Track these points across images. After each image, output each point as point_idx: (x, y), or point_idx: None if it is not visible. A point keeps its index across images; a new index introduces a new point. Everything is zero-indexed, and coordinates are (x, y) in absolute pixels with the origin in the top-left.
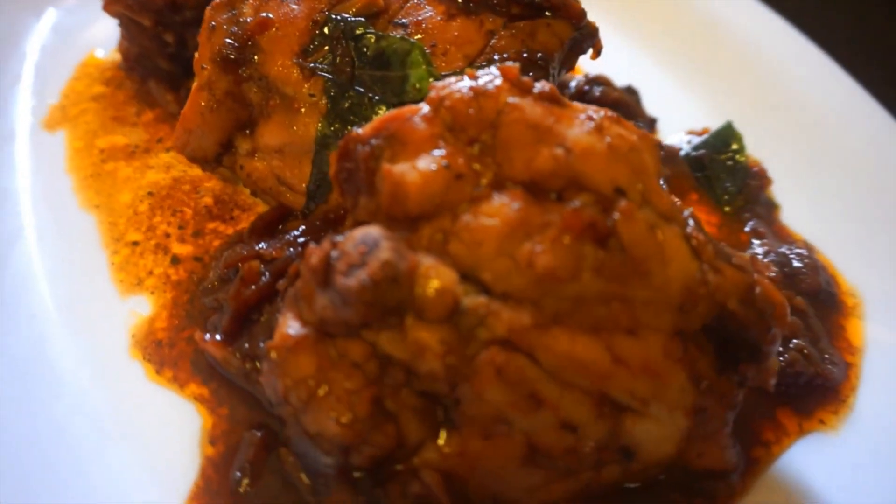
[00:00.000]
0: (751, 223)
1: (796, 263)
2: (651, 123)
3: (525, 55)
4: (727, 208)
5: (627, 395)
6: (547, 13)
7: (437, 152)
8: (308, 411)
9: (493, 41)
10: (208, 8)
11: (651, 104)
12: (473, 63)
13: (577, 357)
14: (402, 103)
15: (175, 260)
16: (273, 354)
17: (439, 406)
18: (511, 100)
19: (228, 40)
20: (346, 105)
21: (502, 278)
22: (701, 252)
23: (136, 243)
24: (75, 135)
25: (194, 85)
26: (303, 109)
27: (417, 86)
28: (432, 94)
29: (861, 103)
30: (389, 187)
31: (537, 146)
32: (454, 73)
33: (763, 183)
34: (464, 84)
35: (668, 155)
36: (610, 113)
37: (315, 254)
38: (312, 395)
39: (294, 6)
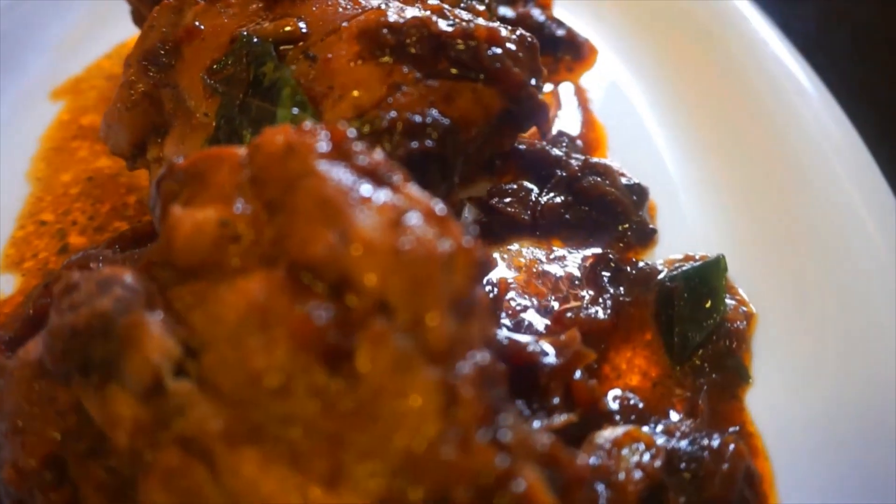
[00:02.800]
0: (692, 392)
1: (709, 463)
2: (646, 234)
3: (422, 119)
4: (678, 366)
5: None
6: (479, 76)
7: (228, 206)
8: (1, 447)
9: (395, 95)
10: (156, 7)
11: (663, 214)
12: (362, 116)
13: (261, 490)
14: None
15: (63, 249)
16: None
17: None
18: (320, 165)
19: (158, 43)
20: (225, 133)
21: (220, 368)
22: (457, 415)
23: (44, 223)
24: (69, 107)
25: (120, 80)
26: (196, 127)
27: None
28: (256, 138)
29: None
30: (163, 230)
31: (320, 227)
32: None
33: (735, 347)
34: (283, 135)
35: (643, 276)
36: (438, 208)
37: (63, 280)
38: (11, 430)
39: (226, 20)
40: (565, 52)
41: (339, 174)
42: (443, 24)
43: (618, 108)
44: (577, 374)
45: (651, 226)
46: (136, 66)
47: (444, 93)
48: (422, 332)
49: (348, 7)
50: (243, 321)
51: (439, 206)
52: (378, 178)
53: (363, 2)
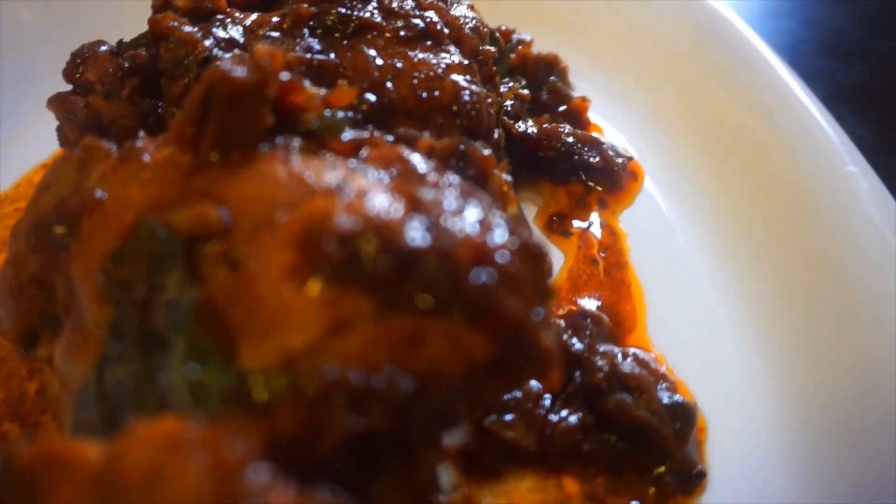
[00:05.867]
0: None
1: None
2: (691, 479)
3: (371, 383)
4: None
5: None
6: (458, 312)
7: None
8: None
9: (339, 338)
10: (57, 159)
11: (717, 432)
12: (291, 368)
13: None
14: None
15: None
16: None
17: None
18: None
19: (52, 213)
20: (115, 360)
21: None
22: None
23: None
24: None
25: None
26: (87, 338)
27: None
28: (116, 442)
29: None
30: None
31: None
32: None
33: None
34: (149, 447)
35: None
36: None
37: None
38: None
39: (136, 190)
40: (598, 182)
41: None
42: (414, 234)
43: (667, 265)
44: None
45: (699, 466)
46: (23, 240)
47: (408, 334)
48: None
49: (292, 187)
50: None
51: None
52: None
53: (311, 182)
